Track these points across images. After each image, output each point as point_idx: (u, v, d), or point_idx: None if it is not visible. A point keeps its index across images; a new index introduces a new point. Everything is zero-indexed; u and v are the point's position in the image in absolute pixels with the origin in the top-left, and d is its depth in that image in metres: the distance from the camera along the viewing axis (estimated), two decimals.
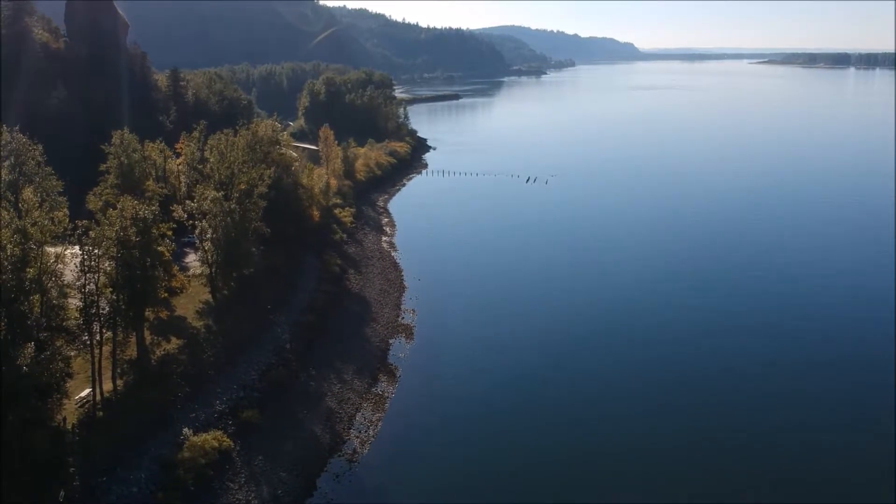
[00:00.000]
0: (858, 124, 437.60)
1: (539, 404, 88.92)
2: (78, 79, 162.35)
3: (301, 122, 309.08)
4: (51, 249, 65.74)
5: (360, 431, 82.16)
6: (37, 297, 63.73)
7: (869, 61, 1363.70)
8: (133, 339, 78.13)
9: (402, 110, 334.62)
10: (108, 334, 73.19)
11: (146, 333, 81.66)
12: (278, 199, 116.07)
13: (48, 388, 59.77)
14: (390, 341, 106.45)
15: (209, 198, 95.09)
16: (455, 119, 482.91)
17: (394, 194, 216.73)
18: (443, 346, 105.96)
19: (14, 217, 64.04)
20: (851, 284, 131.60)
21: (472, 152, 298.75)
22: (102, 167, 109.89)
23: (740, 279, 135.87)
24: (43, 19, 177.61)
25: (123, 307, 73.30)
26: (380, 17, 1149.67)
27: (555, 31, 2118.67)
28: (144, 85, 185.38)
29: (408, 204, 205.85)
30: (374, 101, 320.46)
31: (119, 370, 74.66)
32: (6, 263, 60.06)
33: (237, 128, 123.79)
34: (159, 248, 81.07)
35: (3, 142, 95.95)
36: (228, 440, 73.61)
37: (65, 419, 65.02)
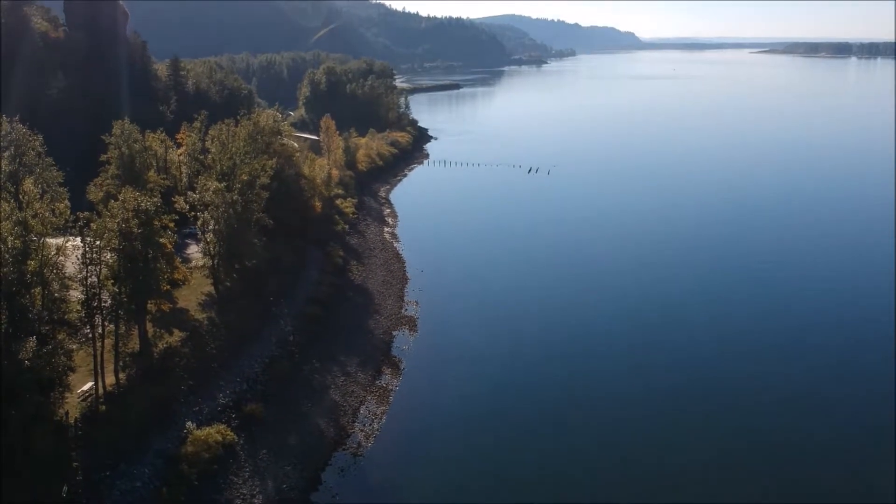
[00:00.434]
0: (860, 114, 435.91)
1: (544, 396, 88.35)
2: (78, 68, 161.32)
3: (302, 111, 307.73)
4: (52, 241, 64.89)
5: (364, 425, 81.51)
6: (38, 289, 62.95)
7: (870, 51, 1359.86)
8: (135, 332, 77.28)
9: (403, 100, 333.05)
10: (111, 327, 72.38)
11: (148, 326, 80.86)
12: (280, 190, 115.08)
13: (50, 383, 59.02)
14: (394, 333, 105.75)
15: (211, 189, 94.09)
16: (456, 109, 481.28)
17: (395, 185, 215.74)
18: (446, 338, 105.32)
19: (15, 209, 63.18)
20: (859, 275, 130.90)
21: (473, 142, 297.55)
22: (103, 157, 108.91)
23: (744, 269, 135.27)
24: (42, 8, 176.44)
25: (125, 299, 72.46)
26: (380, 7, 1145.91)
27: (555, 20, 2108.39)
28: (144, 74, 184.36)
29: (410, 194, 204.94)
30: (375, 90, 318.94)
31: (121, 363, 73.87)
32: (7, 256, 59.23)
33: (238, 118, 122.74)
34: (161, 240, 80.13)
35: (2, 132, 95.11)
36: (232, 434, 72.88)
37: (67, 414, 64.29)
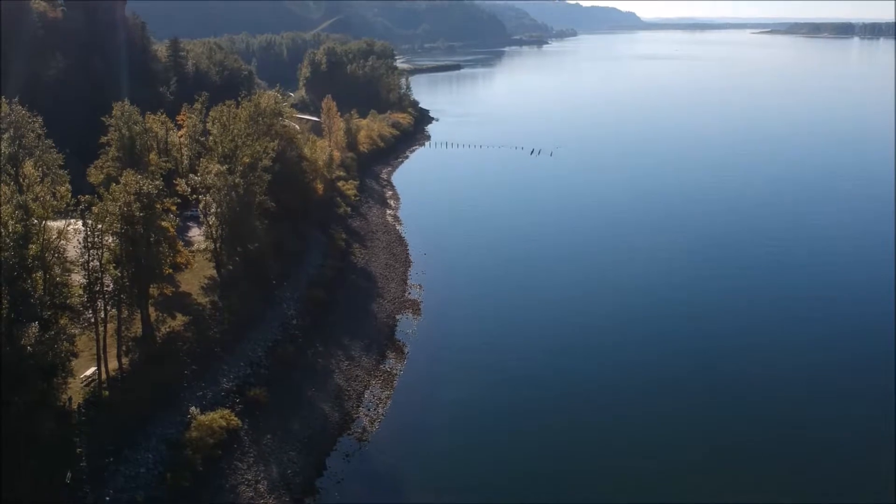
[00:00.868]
0: (864, 94, 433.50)
1: (548, 381, 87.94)
2: (76, 49, 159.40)
3: (302, 92, 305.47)
4: (53, 224, 63.98)
5: (369, 409, 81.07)
6: (39, 274, 62.12)
7: (873, 31, 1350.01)
8: (138, 317, 76.42)
9: (403, 81, 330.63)
10: (113, 311, 71.59)
11: (151, 310, 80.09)
12: (282, 173, 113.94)
13: (53, 369, 58.28)
14: (397, 317, 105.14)
15: (213, 171, 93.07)
16: (456, 90, 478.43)
17: (397, 167, 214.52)
18: (450, 321, 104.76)
19: (15, 192, 62.22)
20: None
21: (474, 124, 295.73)
22: (103, 139, 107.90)
23: (749, 250, 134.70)
24: None
25: (128, 283, 71.68)
26: None
27: (556, 0, 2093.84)
28: (144, 55, 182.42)
29: (411, 177, 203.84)
30: (376, 71, 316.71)
31: (124, 348, 73.16)
32: (8, 240, 58.32)
33: (239, 99, 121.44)
34: (164, 223, 79.29)
35: (2, 113, 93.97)
36: (236, 419, 72.43)
37: (70, 399, 63.67)
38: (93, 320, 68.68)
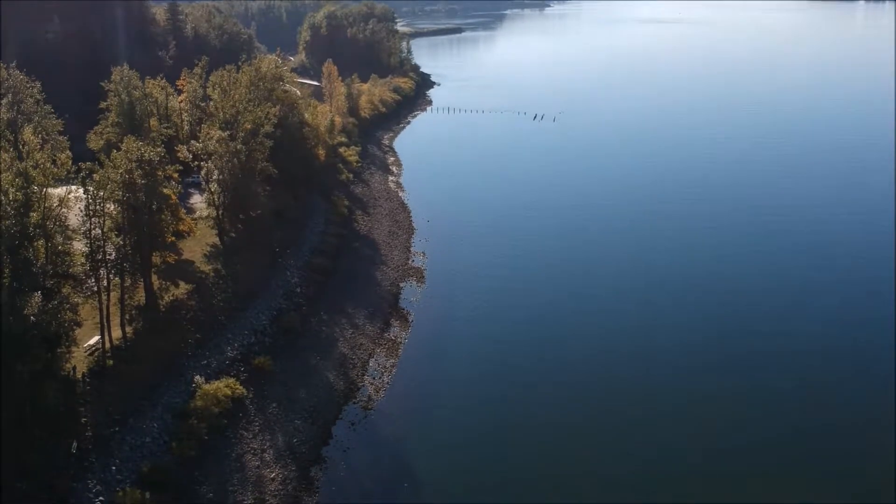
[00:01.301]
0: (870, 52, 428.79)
1: (554, 348, 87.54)
2: (73, 12, 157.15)
3: (302, 56, 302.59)
4: (53, 191, 62.99)
5: (374, 378, 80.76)
6: (41, 242, 61.39)
7: None
8: (141, 285, 75.89)
9: (404, 45, 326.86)
10: (116, 280, 70.98)
11: (154, 278, 79.39)
12: (284, 139, 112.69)
13: (57, 338, 57.78)
14: (401, 285, 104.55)
15: (215, 138, 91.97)
16: (458, 54, 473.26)
17: (399, 132, 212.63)
18: (455, 289, 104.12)
19: (15, 159, 61.20)
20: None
21: (477, 88, 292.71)
22: (103, 105, 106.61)
23: (754, 219, 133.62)
24: None
25: (130, 252, 71.00)
26: None
27: None
28: (142, 19, 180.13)
29: (414, 142, 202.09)
30: (377, 35, 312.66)
31: (127, 317, 72.69)
32: (8, 208, 57.44)
33: (239, 64, 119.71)
34: (165, 191, 78.33)
35: (0, 78, 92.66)
36: (241, 388, 72.12)
37: (74, 369, 63.28)
38: (95, 289, 68.16)
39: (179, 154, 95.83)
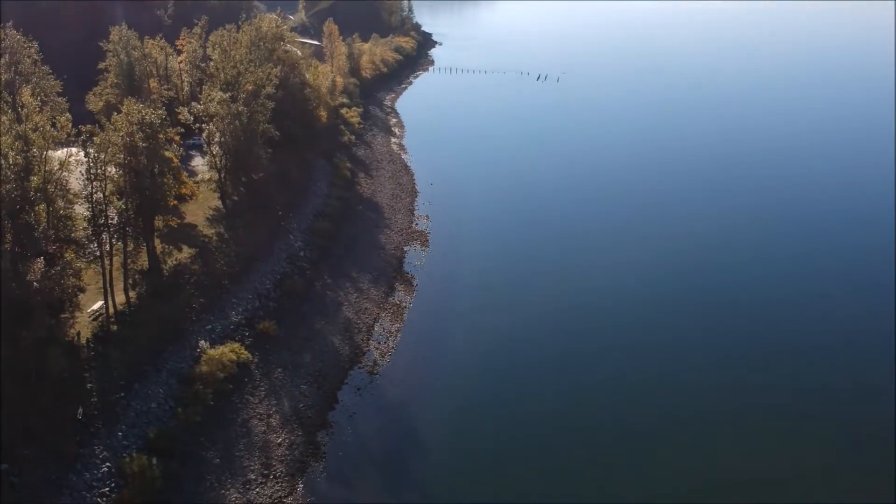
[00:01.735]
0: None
1: (558, 311, 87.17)
2: None
3: (302, 15, 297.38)
4: (54, 154, 61.85)
5: (379, 343, 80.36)
6: (42, 206, 60.46)
7: None
8: (143, 249, 75.17)
9: (405, 3, 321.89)
10: (118, 245, 70.11)
11: (157, 243, 78.59)
12: (285, 100, 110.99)
13: (60, 304, 57.20)
14: (405, 249, 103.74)
15: (216, 99, 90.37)
16: (459, 13, 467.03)
17: (401, 93, 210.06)
18: (459, 253, 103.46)
19: (14, 121, 59.95)
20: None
21: (479, 48, 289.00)
22: (101, 65, 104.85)
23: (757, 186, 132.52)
24: None
25: (132, 215, 70.02)
26: None
27: None
28: None
29: (416, 103, 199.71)
30: None
31: (131, 281, 71.97)
32: (9, 172, 56.39)
33: (240, 23, 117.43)
34: (167, 154, 77.10)
35: None
36: (246, 352, 71.74)
37: (79, 334, 62.78)
38: (98, 254, 67.39)
39: (180, 116, 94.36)
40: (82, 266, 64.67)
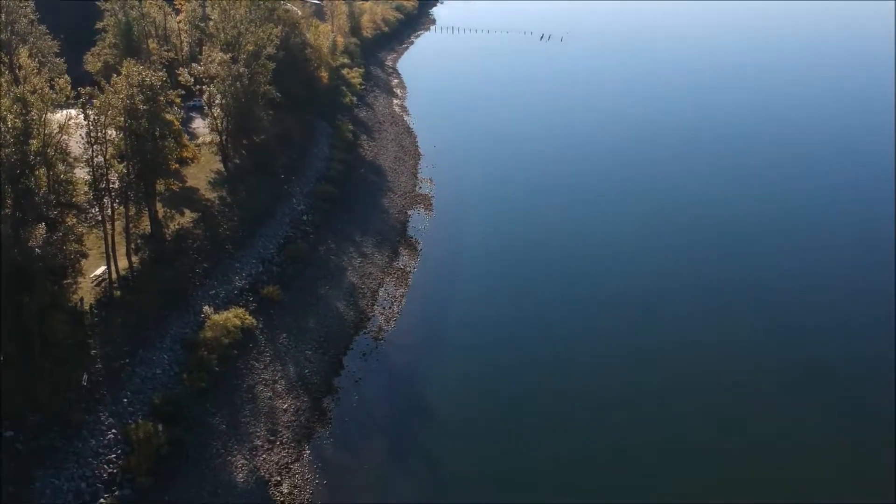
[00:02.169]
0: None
1: (562, 275, 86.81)
2: None
3: None
4: (53, 117, 60.56)
5: (384, 308, 79.88)
6: (42, 171, 59.33)
7: None
8: (146, 214, 74.18)
9: None
10: (120, 209, 69.15)
11: (158, 207, 77.57)
12: (286, 61, 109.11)
13: (63, 270, 56.48)
14: (409, 213, 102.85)
15: (216, 60, 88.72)
16: None
17: (402, 53, 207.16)
18: (463, 217, 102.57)
19: (11, 84, 58.60)
20: None
21: (481, 7, 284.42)
22: (99, 25, 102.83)
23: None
24: None
25: (134, 179, 68.93)
26: None
27: None
28: None
29: (417, 63, 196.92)
30: None
31: (133, 246, 71.15)
32: (7, 136, 55.21)
33: None
34: (168, 116, 75.75)
35: None
36: (251, 318, 71.32)
37: (82, 300, 62.15)
38: (99, 218, 66.52)
39: (181, 78, 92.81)
40: (84, 231, 63.84)
